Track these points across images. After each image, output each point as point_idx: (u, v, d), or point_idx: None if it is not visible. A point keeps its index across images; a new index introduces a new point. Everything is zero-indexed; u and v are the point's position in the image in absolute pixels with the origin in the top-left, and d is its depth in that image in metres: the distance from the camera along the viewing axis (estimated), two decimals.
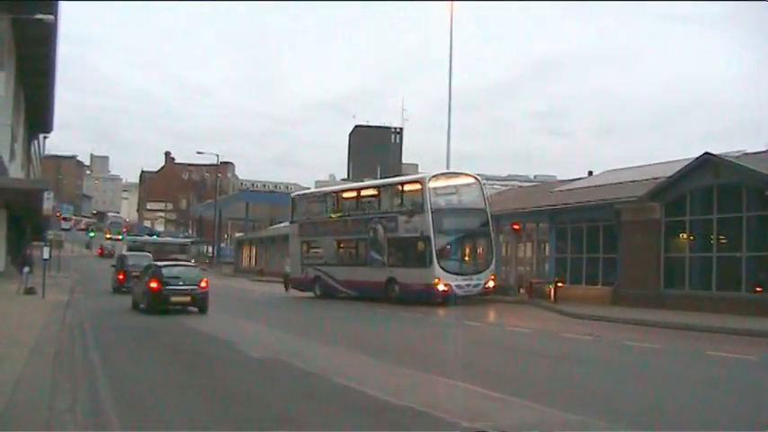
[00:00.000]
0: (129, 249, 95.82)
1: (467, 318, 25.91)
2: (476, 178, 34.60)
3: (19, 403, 9.46)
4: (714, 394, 11.99)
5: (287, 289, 42.56)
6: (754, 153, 31.04)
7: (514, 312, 29.24)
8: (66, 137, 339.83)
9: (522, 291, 35.43)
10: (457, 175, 35.55)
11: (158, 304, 26.41)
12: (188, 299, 26.97)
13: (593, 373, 14.25)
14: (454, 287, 31.26)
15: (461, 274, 31.89)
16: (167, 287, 26.56)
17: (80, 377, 12.41)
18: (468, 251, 33.81)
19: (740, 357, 15.87)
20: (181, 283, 27.01)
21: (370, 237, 35.02)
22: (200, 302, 26.88)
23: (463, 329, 22.69)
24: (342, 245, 37.98)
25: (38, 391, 10.35)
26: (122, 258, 43.35)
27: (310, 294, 39.03)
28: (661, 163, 34.34)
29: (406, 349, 17.81)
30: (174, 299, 26.74)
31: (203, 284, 27.39)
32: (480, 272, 32.49)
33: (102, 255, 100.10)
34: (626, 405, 10.79)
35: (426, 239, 31.70)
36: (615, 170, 39.02)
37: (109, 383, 12.04)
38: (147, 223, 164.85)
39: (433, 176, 33.83)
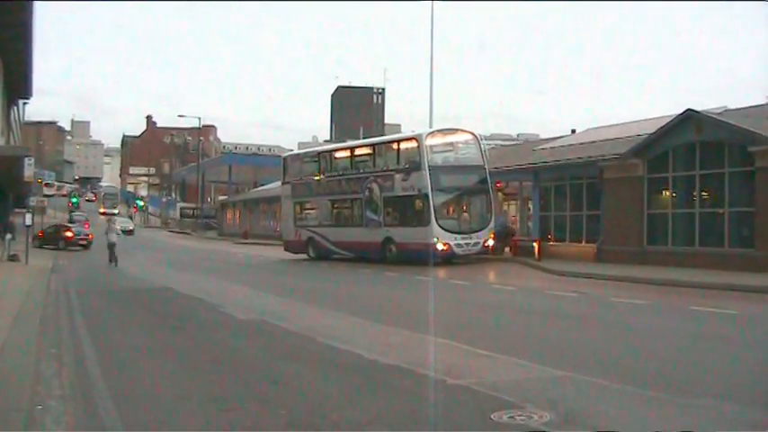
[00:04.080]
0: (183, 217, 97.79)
1: (452, 277, 26.02)
2: (473, 134, 34.05)
3: (5, 369, 9.46)
4: (697, 348, 12.09)
5: (110, 261, 33.09)
6: (736, 109, 31.10)
7: (499, 271, 29.37)
8: (46, 103, 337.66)
9: (507, 249, 35.54)
10: (454, 131, 34.84)
11: (70, 245, 49.12)
12: (85, 242, 50.33)
13: (578, 330, 14.34)
14: (453, 246, 31.07)
15: (461, 233, 31.62)
16: (76, 236, 50.77)
17: (65, 342, 12.40)
18: (466, 209, 33.52)
19: (723, 312, 15.99)
20: (81, 234, 51.43)
21: (366, 196, 34.65)
22: (88, 245, 50.01)
23: (449, 288, 22.77)
24: (336, 205, 37.68)
25: (24, 357, 10.35)
26: (71, 212, 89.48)
27: (303, 256, 38.96)
28: (644, 120, 34.38)
29: (392, 309, 17.88)
30: (79, 242, 50.16)
31: (90, 237, 51.39)
32: (479, 230, 32.18)
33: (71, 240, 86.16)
34: (611, 360, 10.87)
35: (424, 197, 31.30)
36: (598, 128, 39.04)
37: (95, 349, 12.01)
38: (130, 188, 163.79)
39: (430, 133, 33.42)
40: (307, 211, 39.71)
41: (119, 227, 63.89)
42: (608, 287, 22.07)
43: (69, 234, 50.68)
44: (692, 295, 19.36)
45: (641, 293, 19.86)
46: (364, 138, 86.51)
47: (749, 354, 11.66)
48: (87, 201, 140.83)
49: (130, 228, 79.73)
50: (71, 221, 74.19)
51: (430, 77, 47.23)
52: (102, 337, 13.45)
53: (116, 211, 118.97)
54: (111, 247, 33.31)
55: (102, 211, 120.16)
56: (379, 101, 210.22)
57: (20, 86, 47.00)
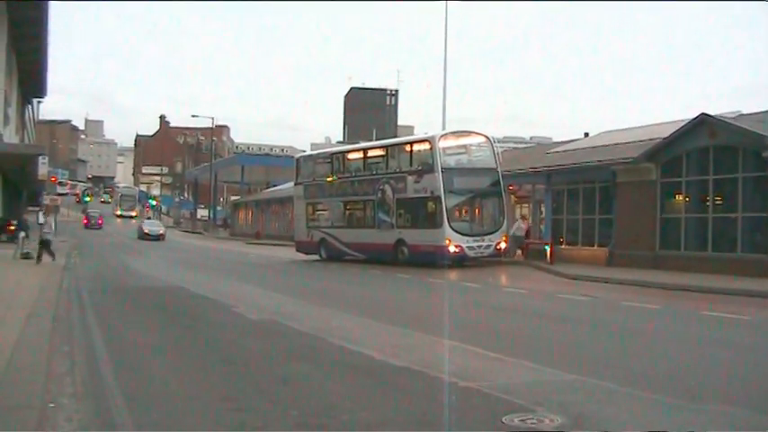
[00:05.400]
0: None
1: (464, 279, 26.00)
2: (486, 137, 33.88)
3: (17, 366, 9.49)
4: (709, 353, 12.05)
5: (38, 258, 29.96)
6: (751, 114, 30.95)
7: (511, 273, 29.29)
8: (60, 102, 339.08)
9: (518, 252, 35.46)
10: (467, 134, 34.76)
11: (90, 228, 76.84)
12: (99, 223, 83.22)
13: (589, 334, 14.31)
14: (465, 248, 31.00)
15: (473, 235, 31.52)
16: (91, 221, 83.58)
17: (78, 340, 12.44)
18: (479, 211, 33.45)
19: (736, 318, 15.93)
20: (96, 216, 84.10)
21: (378, 198, 34.62)
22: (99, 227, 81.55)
23: (460, 290, 22.75)
24: (348, 206, 37.62)
25: (36, 354, 10.38)
26: (85, 210, 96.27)
27: (315, 257, 39.00)
28: (657, 124, 34.21)
29: (404, 310, 17.89)
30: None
31: (100, 221, 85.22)
32: (492, 233, 32.09)
33: (87, 225, 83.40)
34: (622, 364, 10.85)
35: (437, 199, 31.22)
36: (611, 131, 38.87)
37: (107, 347, 12.05)
38: (142, 187, 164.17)
39: (443, 135, 33.47)
40: (319, 212, 39.70)
41: (146, 228, 61.42)
42: (620, 291, 21.99)
43: (85, 221, 73.40)
44: (704, 300, 19.25)
45: (653, 298, 19.82)
46: (377, 139, 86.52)
47: (761, 360, 11.61)
48: (102, 202, 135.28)
49: (161, 232, 68.41)
50: (88, 217, 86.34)
51: (443, 79, 47.33)
52: (114, 335, 13.50)
53: (134, 214, 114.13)
54: (45, 243, 30.85)
55: (118, 213, 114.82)
56: (392, 102, 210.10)
57: (34, 85, 47.37)
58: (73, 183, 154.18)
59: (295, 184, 42.74)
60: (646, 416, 7.76)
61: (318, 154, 45.70)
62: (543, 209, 36.52)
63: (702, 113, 27.18)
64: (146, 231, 67.24)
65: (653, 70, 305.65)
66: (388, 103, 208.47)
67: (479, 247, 31.39)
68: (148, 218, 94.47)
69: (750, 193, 25.75)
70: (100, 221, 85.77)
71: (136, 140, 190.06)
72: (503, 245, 32.17)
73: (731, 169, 26.21)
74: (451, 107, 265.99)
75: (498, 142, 35.11)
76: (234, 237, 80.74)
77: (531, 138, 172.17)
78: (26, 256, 31.18)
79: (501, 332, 14.34)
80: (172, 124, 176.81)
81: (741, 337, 13.90)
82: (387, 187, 34.08)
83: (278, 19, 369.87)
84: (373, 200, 35.01)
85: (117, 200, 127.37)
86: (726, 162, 26.48)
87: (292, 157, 54.69)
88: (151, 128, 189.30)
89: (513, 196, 37.37)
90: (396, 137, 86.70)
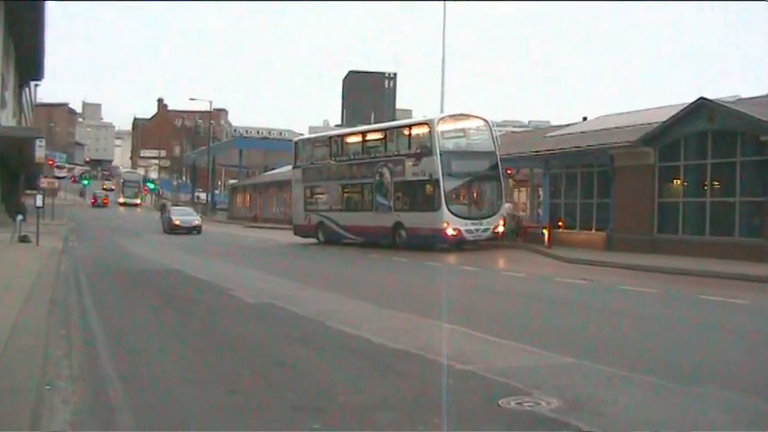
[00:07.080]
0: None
1: (462, 262, 26.01)
2: (485, 120, 33.81)
3: (14, 350, 9.46)
4: (706, 337, 12.07)
5: None
6: (750, 98, 30.88)
7: (509, 257, 29.27)
8: (57, 85, 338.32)
9: (516, 236, 35.44)
10: (466, 117, 34.62)
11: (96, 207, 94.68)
12: (105, 203, 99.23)
13: (587, 317, 14.31)
14: (464, 231, 30.99)
15: (470, 218, 31.50)
16: (98, 200, 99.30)
17: (75, 323, 12.43)
18: (477, 194, 33.33)
19: (733, 302, 15.93)
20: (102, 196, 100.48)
21: (377, 181, 34.56)
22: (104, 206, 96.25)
23: (458, 274, 22.77)
24: (346, 190, 37.60)
25: (33, 338, 10.35)
26: (83, 192, 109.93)
27: (313, 240, 39.01)
28: (655, 108, 34.14)
29: (401, 294, 17.86)
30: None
31: (106, 201, 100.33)
32: (490, 216, 32.07)
33: (94, 204, 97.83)
34: (620, 347, 10.85)
35: (435, 182, 31.21)
36: (609, 115, 38.81)
37: (104, 330, 12.06)
38: (140, 170, 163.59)
39: (442, 118, 33.34)
40: (317, 196, 39.68)
41: (176, 218, 50.17)
42: (617, 275, 22.02)
43: (92, 200, 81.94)
44: (701, 284, 19.29)
45: (651, 282, 19.82)
46: (375, 123, 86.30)
47: (758, 344, 11.62)
48: (105, 189, 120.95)
49: (196, 223, 51.65)
50: (95, 196, 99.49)
51: (442, 63, 47.19)
52: (111, 318, 13.49)
53: (138, 201, 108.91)
54: None
55: (121, 200, 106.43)
56: (391, 86, 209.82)
57: (31, 68, 47.18)
58: (70, 166, 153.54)
59: (293, 168, 42.67)
60: (643, 399, 7.76)
61: (317, 137, 45.61)
62: (541, 193, 36.51)
63: (701, 97, 27.11)
64: (176, 223, 50.44)
65: (652, 54, 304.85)
66: (386, 86, 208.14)
67: (477, 230, 31.36)
68: (163, 205, 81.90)
69: (748, 177, 25.71)
70: (105, 201, 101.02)
71: (134, 124, 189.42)
72: (500, 228, 32.16)
73: (729, 154, 26.17)
74: (450, 90, 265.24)
75: (496, 126, 35.03)
76: (232, 220, 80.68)
77: (529, 122, 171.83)
78: (24, 240, 31.16)
79: (499, 316, 14.35)
80: (170, 108, 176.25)
81: (738, 321, 13.91)
82: (385, 170, 34.02)
83: (276, 2, 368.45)
84: (371, 183, 34.93)
85: (119, 186, 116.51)
86: (724, 146, 26.43)
87: (290, 140, 54.58)
88: (149, 111, 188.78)
89: (511, 180, 37.31)
90: (394, 120, 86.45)
